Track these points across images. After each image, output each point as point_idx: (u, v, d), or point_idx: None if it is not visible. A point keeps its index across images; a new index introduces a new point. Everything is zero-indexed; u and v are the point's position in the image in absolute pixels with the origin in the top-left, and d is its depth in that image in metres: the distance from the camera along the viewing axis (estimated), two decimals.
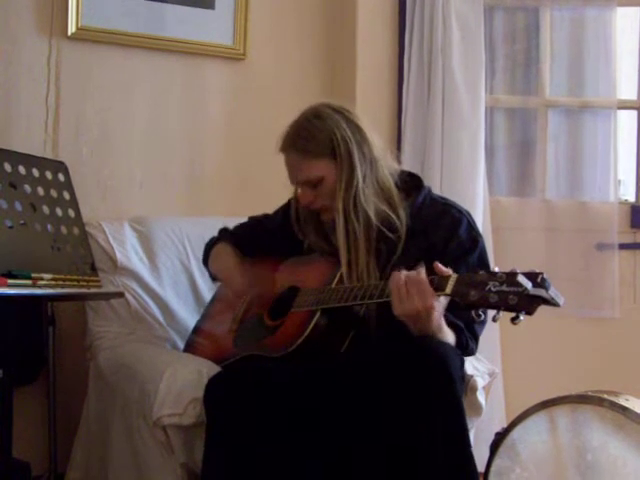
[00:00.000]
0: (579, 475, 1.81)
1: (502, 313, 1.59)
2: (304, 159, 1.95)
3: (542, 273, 1.56)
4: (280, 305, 2.05)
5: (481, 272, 1.63)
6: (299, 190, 2.01)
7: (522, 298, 1.55)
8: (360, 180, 1.93)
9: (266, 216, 2.26)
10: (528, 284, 1.55)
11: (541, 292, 1.55)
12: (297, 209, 2.09)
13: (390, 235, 1.95)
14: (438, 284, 1.69)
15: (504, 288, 1.57)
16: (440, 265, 1.71)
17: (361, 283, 1.88)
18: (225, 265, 2.22)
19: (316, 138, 1.94)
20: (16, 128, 2.62)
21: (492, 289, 1.59)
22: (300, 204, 2.04)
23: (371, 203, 1.94)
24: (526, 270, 1.59)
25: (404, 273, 1.72)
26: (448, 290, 1.66)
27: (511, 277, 1.58)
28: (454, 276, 1.68)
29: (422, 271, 1.71)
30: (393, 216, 1.96)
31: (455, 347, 1.84)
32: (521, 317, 1.56)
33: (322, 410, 1.81)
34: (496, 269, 1.62)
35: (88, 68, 2.73)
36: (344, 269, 1.93)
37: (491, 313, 1.62)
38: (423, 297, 1.69)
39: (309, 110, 1.99)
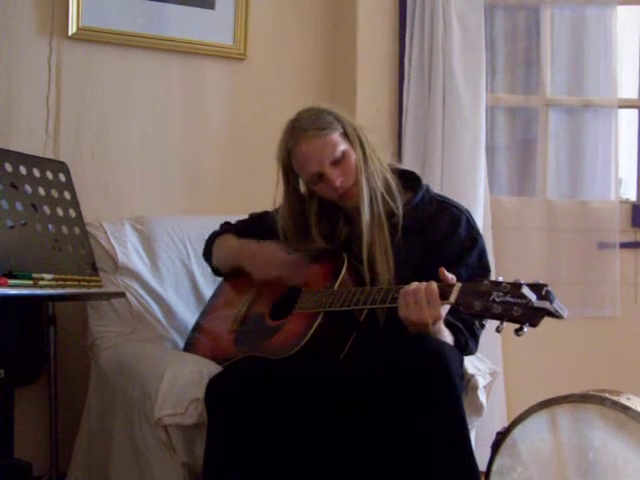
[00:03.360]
0: (580, 474, 1.81)
1: (505, 324, 1.58)
2: (328, 135, 1.95)
3: (546, 285, 1.56)
4: (281, 305, 2.05)
5: (485, 282, 1.62)
6: (329, 173, 1.94)
7: (526, 310, 1.55)
8: (373, 155, 1.97)
9: (267, 212, 2.25)
10: (532, 296, 1.54)
11: (545, 304, 1.54)
12: (287, 220, 2.07)
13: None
14: (442, 292, 1.69)
15: (508, 299, 1.57)
16: (445, 271, 1.71)
17: (363, 287, 1.88)
18: (239, 245, 2.18)
19: (326, 119, 1.97)
20: (17, 128, 2.62)
21: (496, 299, 1.58)
22: (332, 188, 1.97)
23: (379, 182, 1.96)
24: (529, 277, 1.59)
25: (416, 283, 1.72)
26: (452, 299, 1.66)
27: (515, 288, 1.57)
28: (458, 285, 1.67)
29: (434, 284, 1.71)
30: (392, 205, 1.97)
31: (453, 347, 1.83)
32: (525, 329, 1.56)
33: (323, 411, 1.81)
34: (500, 278, 1.62)
35: (88, 68, 2.73)
36: (365, 253, 1.92)
37: (494, 323, 1.61)
38: (432, 309, 1.69)
39: (302, 109, 2.01)
